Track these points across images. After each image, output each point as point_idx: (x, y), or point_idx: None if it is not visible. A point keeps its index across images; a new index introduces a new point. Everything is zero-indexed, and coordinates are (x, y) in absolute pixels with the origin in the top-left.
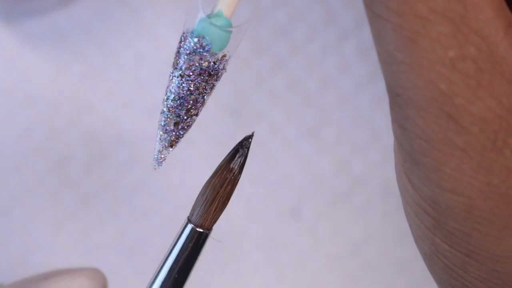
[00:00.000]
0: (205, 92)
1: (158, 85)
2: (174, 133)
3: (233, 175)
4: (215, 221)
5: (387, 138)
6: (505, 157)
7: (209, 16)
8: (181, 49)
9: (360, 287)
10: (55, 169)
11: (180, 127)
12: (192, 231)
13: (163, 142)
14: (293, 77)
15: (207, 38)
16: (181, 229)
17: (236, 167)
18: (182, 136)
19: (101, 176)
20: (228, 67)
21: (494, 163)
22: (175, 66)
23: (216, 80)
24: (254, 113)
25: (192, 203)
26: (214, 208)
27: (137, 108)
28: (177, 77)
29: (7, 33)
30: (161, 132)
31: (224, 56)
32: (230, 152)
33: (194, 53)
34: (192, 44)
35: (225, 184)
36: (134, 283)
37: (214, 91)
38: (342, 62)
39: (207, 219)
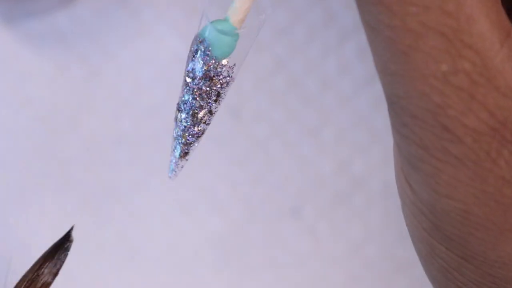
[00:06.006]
0: (209, 98)
1: (158, 85)
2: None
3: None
4: None
5: (387, 138)
6: (500, 168)
7: (213, 21)
8: (189, 52)
9: (360, 287)
10: (55, 169)
11: (188, 134)
12: None
13: (176, 152)
14: (293, 78)
15: (206, 40)
16: None
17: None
18: (193, 144)
19: (101, 176)
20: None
21: (489, 173)
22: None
23: (221, 88)
24: (254, 113)
25: (192, 203)
26: None
27: (137, 108)
28: (184, 82)
29: (7, 33)
30: (174, 143)
31: (227, 62)
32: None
33: (198, 56)
34: (195, 47)
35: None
36: (134, 283)
37: None
38: (342, 62)
39: None
